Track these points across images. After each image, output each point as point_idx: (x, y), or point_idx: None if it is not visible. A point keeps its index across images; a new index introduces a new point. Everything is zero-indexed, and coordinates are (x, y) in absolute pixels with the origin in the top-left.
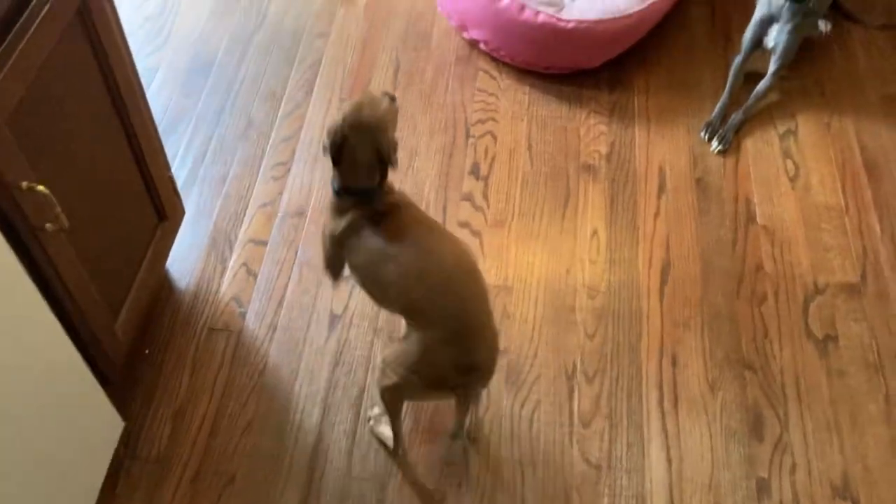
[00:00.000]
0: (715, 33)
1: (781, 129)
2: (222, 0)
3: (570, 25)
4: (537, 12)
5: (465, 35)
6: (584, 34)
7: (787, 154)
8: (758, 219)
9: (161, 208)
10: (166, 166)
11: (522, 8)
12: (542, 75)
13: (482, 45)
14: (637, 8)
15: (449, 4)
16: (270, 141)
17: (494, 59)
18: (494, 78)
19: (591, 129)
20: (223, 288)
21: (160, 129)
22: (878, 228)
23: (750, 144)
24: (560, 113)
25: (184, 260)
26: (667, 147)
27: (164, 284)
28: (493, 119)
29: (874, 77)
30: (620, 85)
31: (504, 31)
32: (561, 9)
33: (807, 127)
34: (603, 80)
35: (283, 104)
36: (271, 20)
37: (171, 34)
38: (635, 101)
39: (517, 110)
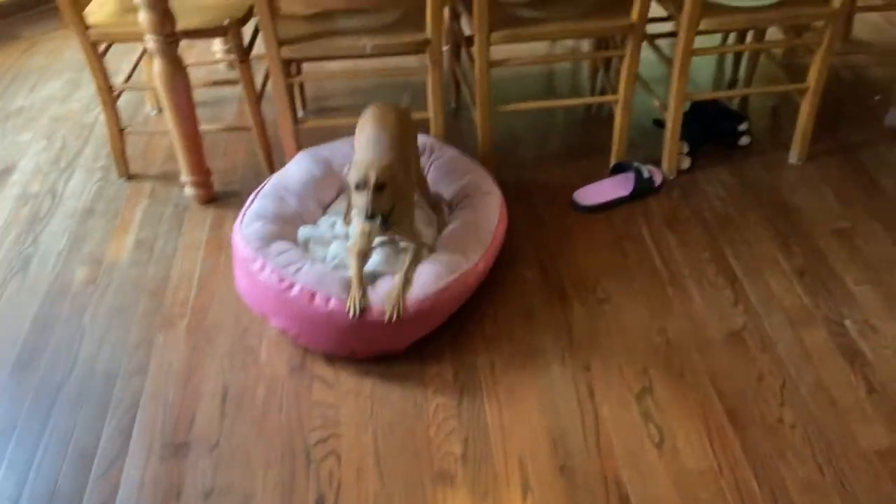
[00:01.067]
0: (550, 293)
1: (636, 387)
2: (27, 349)
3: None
4: (328, 298)
5: (272, 324)
6: (379, 320)
7: (647, 416)
8: (631, 500)
9: None
10: None
11: (313, 296)
12: (384, 369)
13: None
14: (434, 289)
15: (248, 296)
16: None
17: (330, 362)
18: (331, 385)
19: (441, 427)
20: None
21: None
22: (755, 486)
23: (608, 412)
24: (406, 411)
25: None
26: (524, 434)
27: None
28: (335, 434)
29: (712, 312)
30: (464, 366)
31: (299, 320)
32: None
33: (661, 381)
34: (446, 362)
35: (95, 464)
36: (82, 366)
37: None
38: (483, 384)
39: (360, 419)
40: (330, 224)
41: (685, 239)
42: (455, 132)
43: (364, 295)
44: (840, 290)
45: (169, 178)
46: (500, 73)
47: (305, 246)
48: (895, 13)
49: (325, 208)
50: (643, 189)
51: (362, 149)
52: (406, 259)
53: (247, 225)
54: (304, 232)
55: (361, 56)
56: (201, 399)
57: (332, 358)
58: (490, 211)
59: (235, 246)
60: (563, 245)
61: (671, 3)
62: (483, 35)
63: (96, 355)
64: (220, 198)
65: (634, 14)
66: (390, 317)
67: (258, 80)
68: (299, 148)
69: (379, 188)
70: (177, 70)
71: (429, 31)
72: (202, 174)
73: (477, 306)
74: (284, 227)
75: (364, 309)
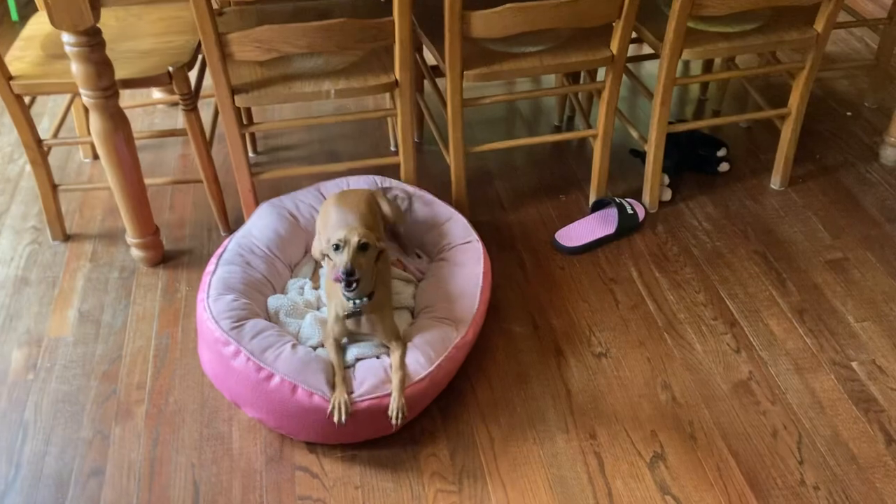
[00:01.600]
0: (543, 350)
1: (647, 454)
2: None
3: (352, 406)
4: (311, 393)
5: (247, 413)
6: (369, 411)
7: (663, 488)
8: None
9: None
10: None
11: (294, 389)
12: (373, 453)
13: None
14: (426, 371)
15: (220, 382)
16: None
17: (312, 449)
18: (316, 475)
19: None
20: None
21: None
22: None
23: (621, 485)
24: (403, 502)
25: None
26: None
27: None
28: None
29: (716, 361)
30: (461, 443)
31: (279, 413)
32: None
33: (672, 446)
34: (441, 440)
35: None
36: (27, 470)
37: None
38: (483, 462)
39: None
40: (299, 288)
41: (677, 280)
42: (421, 168)
43: (349, 395)
44: (842, 328)
45: (112, 236)
46: (467, 108)
47: (276, 317)
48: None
49: (292, 268)
50: (627, 226)
51: (332, 226)
52: (394, 362)
53: (214, 299)
54: (274, 302)
55: (323, 99)
56: (170, 502)
57: (313, 443)
58: (472, 266)
59: (203, 324)
60: (552, 293)
61: (650, 33)
62: (455, 73)
63: (43, 456)
64: (171, 257)
65: (614, 47)
66: (397, 424)
67: (205, 120)
68: (257, 201)
69: (362, 247)
70: (118, 125)
71: (397, 72)
72: (150, 234)
73: (467, 372)
74: (254, 297)
75: (351, 413)
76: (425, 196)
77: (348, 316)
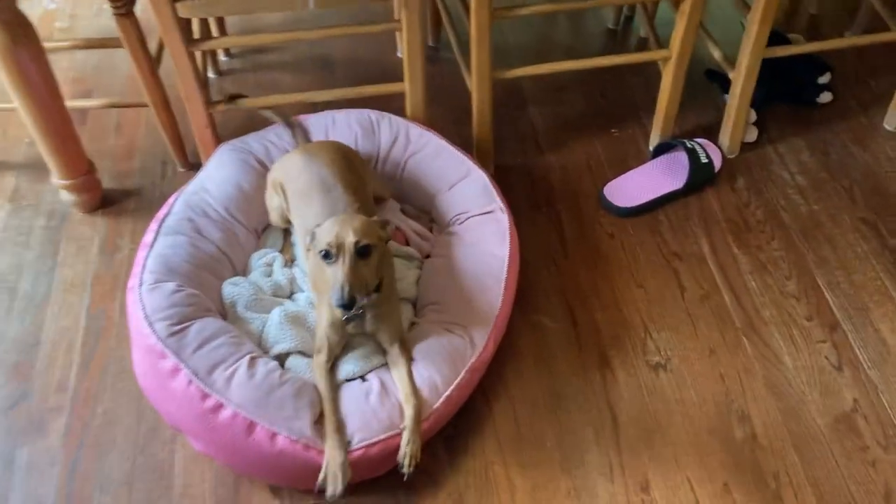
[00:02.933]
0: (583, 356)
1: None
2: None
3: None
4: (274, 434)
5: (192, 445)
6: (357, 462)
7: None
8: None
9: None
10: None
11: (251, 427)
12: (354, 501)
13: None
14: (436, 403)
15: (156, 402)
16: None
17: (276, 493)
18: None
19: None
20: None
21: None
22: None
23: None
24: None
25: None
26: None
27: None
28: None
29: (810, 383)
30: (473, 492)
31: (231, 451)
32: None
33: None
34: (445, 488)
35: None
36: None
37: None
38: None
39: None
40: (265, 266)
41: (761, 259)
42: (433, 88)
43: (346, 456)
44: None
45: (41, 169)
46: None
47: (233, 310)
48: None
49: (259, 234)
50: (700, 179)
51: (309, 204)
52: (403, 385)
53: (150, 288)
54: (230, 290)
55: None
56: None
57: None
58: (494, 247)
59: (134, 323)
60: (597, 273)
61: None
62: None
63: None
64: (113, 199)
65: None
66: (409, 473)
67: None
68: (218, 139)
69: (363, 253)
70: (21, 37)
71: None
72: (82, 174)
73: (482, 387)
74: (204, 282)
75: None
76: (433, 141)
77: (350, 319)
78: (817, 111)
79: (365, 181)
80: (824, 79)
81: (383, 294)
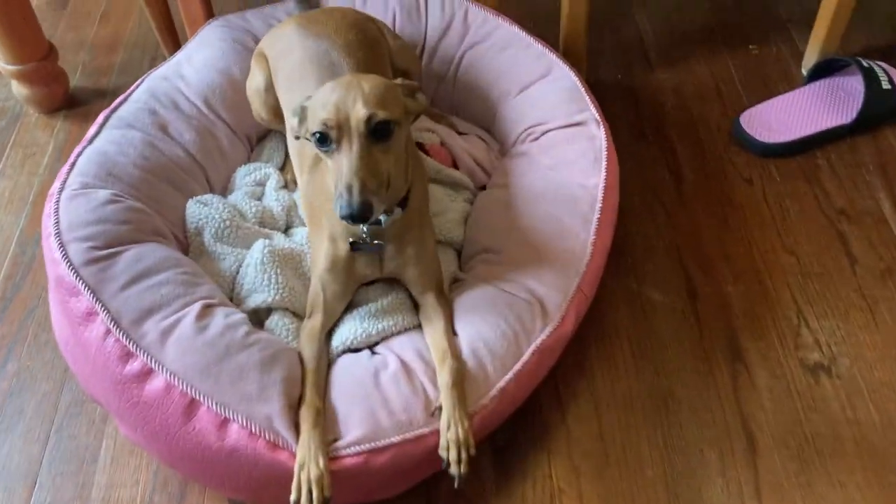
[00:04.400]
0: (708, 347)
1: None
2: None
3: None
4: (224, 421)
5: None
6: (355, 472)
7: None
8: None
9: None
10: None
11: (193, 406)
12: None
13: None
14: (487, 394)
15: (70, 359)
16: None
17: None
18: None
19: None
20: None
21: None
22: None
23: None
24: None
25: None
26: None
27: None
28: None
29: None
30: None
31: (160, 440)
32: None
33: None
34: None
35: None
36: None
37: None
38: None
39: None
40: (253, 184)
41: None
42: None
43: (326, 465)
44: None
45: None
46: None
47: (198, 239)
48: None
49: (252, 144)
50: (877, 110)
51: (304, 89)
52: (438, 352)
53: (72, 191)
54: (197, 211)
55: None
56: None
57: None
58: (583, 173)
59: (44, 242)
60: (725, 231)
61: None
62: None
63: None
64: (82, 100)
65: None
66: (462, 482)
67: None
68: (210, 15)
69: (380, 134)
70: None
71: None
72: (37, 57)
73: (554, 377)
74: (159, 197)
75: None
76: (502, 27)
77: (357, 247)
78: None
79: (385, 62)
80: None
81: (411, 210)
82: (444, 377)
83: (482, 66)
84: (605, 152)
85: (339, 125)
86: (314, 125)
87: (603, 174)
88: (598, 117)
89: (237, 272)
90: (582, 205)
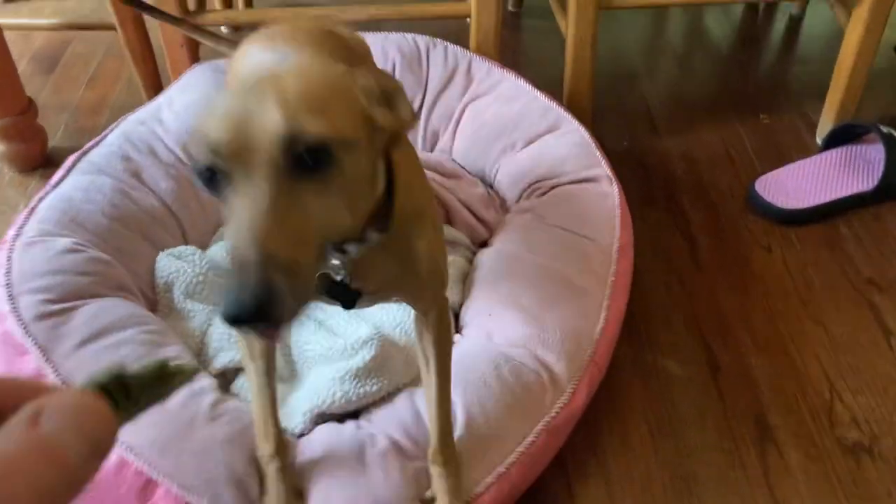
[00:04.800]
0: (733, 424)
1: None
2: None
3: None
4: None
5: None
6: None
7: None
8: None
9: None
10: None
11: (147, 488)
12: None
13: None
14: (488, 477)
15: None
16: None
17: None
18: None
19: None
20: None
21: None
22: None
23: None
24: None
25: None
26: None
27: None
28: None
29: None
30: None
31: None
32: None
33: None
34: None
35: None
36: None
37: None
38: None
39: None
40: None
41: None
42: (513, 56)
43: None
44: None
45: None
46: None
47: (167, 296)
48: None
49: None
50: None
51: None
52: (432, 408)
53: (28, 239)
54: (167, 266)
55: None
56: None
57: None
58: (597, 233)
59: None
60: (746, 300)
61: None
62: None
63: None
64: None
65: None
66: None
67: None
68: (195, 60)
69: (308, 160)
70: None
71: None
72: (16, 111)
73: (563, 458)
74: (129, 245)
75: None
76: (507, 79)
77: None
78: None
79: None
80: None
81: (402, 223)
82: (437, 468)
83: (486, 119)
84: (619, 210)
85: (236, 152)
86: (198, 153)
87: (618, 233)
88: (611, 174)
89: (205, 330)
90: (595, 264)
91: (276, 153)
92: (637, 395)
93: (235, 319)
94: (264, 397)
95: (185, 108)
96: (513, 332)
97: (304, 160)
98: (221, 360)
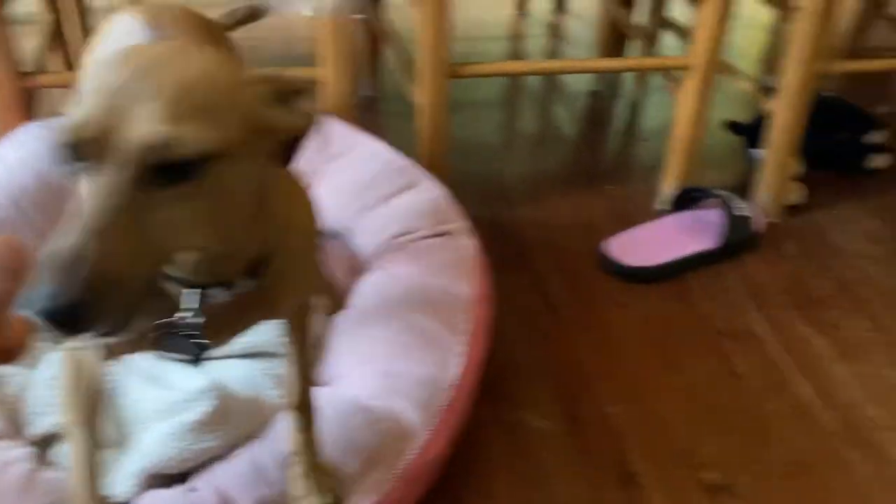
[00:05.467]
0: (598, 475)
1: None
2: None
3: None
4: None
5: None
6: None
7: None
8: None
9: None
10: None
11: None
12: None
13: None
14: None
15: None
16: None
17: None
18: None
19: None
20: None
21: None
22: None
23: None
24: None
25: None
26: None
27: None
28: None
29: None
30: None
31: None
32: None
33: None
34: None
35: None
36: None
37: None
38: None
39: None
40: None
41: (842, 339)
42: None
43: None
44: None
45: None
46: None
47: None
48: None
49: None
50: (739, 237)
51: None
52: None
53: None
54: None
55: None
56: None
57: None
58: (451, 283)
59: None
60: (603, 353)
61: None
62: None
63: None
64: None
65: None
66: None
67: None
68: (29, 114)
69: (174, 169)
70: None
71: None
72: None
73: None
74: None
75: None
76: (365, 142)
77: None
78: (869, 180)
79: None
80: (873, 138)
81: (276, 273)
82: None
83: (345, 180)
84: (474, 263)
85: (99, 143)
86: (62, 133)
87: (472, 284)
88: (468, 227)
89: (23, 393)
90: (451, 314)
91: (140, 158)
92: (501, 449)
93: (46, 312)
94: (87, 464)
95: (19, 164)
96: (369, 382)
97: (171, 169)
98: (41, 425)
